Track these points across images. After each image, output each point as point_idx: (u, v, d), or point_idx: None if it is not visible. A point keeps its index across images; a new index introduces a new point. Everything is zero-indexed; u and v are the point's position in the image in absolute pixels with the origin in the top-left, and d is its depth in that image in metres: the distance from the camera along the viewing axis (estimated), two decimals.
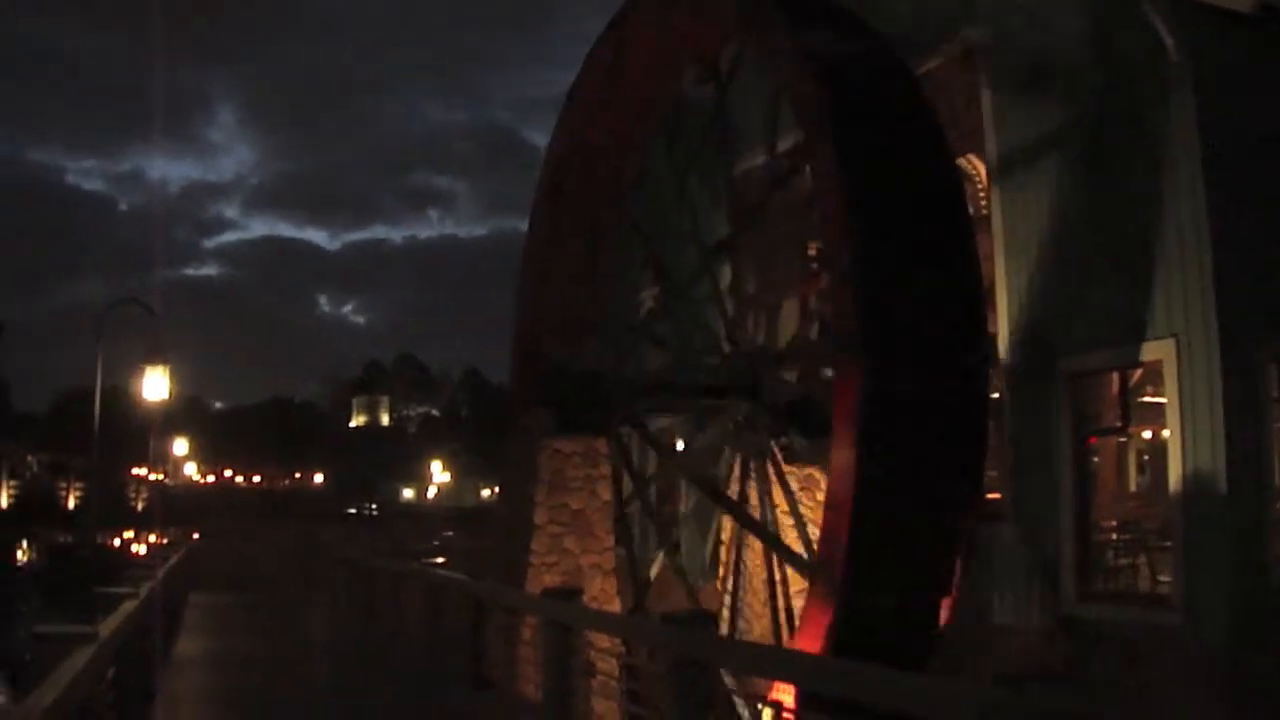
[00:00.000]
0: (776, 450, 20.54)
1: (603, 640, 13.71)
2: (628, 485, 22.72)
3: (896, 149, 15.80)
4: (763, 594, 21.53)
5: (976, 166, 21.49)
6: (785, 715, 9.33)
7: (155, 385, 25.76)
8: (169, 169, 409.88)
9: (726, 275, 21.86)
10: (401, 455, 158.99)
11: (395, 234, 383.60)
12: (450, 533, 74.59)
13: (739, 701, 12.35)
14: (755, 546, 21.74)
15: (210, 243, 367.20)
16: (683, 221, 22.58)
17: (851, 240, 14.78)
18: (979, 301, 15.86)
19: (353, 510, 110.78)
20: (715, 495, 21.27)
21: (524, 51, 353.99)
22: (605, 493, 21.57)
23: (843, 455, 14.47)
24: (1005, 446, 19.17)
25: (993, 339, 18.44)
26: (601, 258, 23.53)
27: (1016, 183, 19.42)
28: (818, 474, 20.12)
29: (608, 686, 13.36)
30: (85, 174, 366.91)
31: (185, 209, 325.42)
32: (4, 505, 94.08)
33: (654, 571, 22.35)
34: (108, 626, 10.98)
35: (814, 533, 18.83)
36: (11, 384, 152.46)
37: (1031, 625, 18.14)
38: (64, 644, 9.03)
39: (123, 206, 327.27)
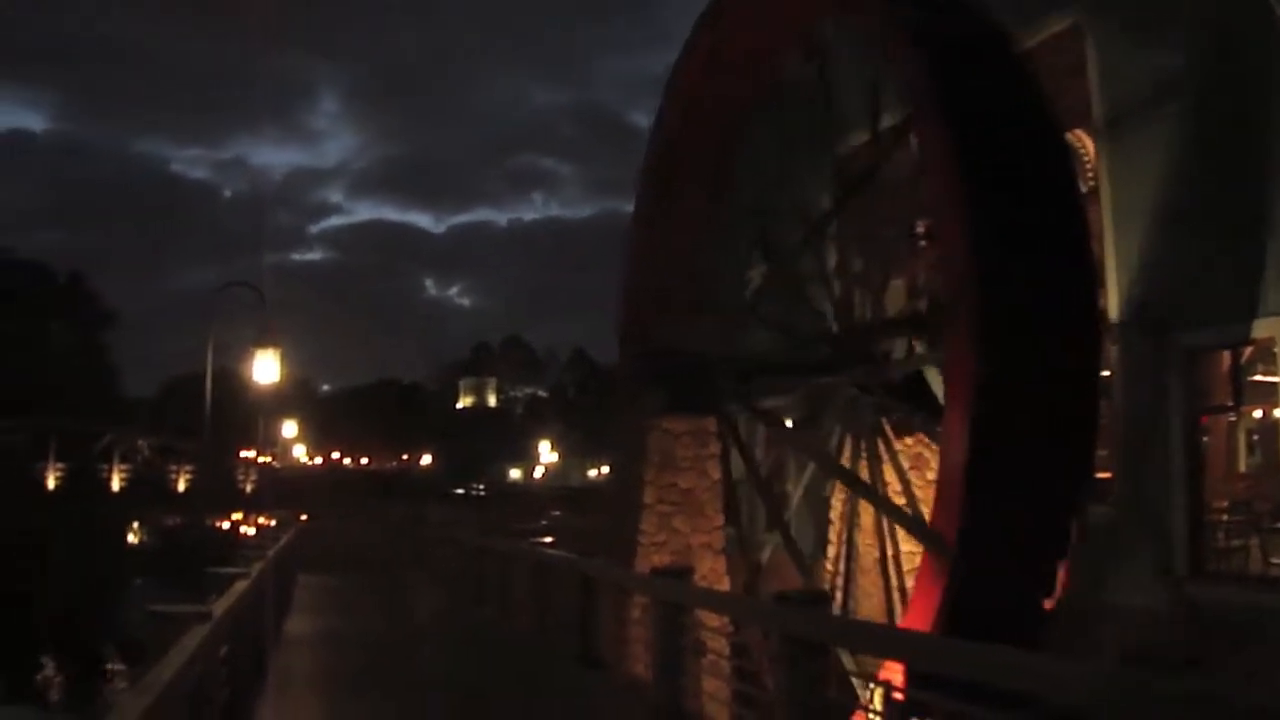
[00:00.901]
0: (887, 427, 20.51)
1: (712, 619, 13.75)
2: (737, 465, 22.70)
3: (1005, 123, 15.66)
4: (873, 573, 21.50)
5: (1084, 141, 21.27)
6: (895, 694, 9.33)
7: (266, 368, 25.98)
8: (273, 156, 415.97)
9: (833, 253, 21.81)
10: (508, 436, 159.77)
11: (500, 216, 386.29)
12: (558, 512, 74.96)
13: (852, 681, 12.32)
14: (866, 525, 21.73)
15: (315, 228, 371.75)
16: (787, 199, 22.57)
17: (962, 218, 14.68)
18: (1090, 278, 15.71)
19: (460, 491, 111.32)
20: (832, 467, 21.22)
21: (628, 33, 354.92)
22: (714, 472, 21.56)
23: (954, 435, 14.41)
24: (1116, 425, 18.98)
25: (1103, 315, 18.27)
26: (707, 237, 23.53)
27: (1125, 157, 19.17)
28: (927, 453, 20.05)
29: (717, 665, 13.40)
30: (190, 163, 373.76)
31: (290, 195, 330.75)
32: (116, 489, 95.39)
33: (766, 552, 22.41)
34: (221, 605, 11.15)
35: (925, 511, 18.80)
36: (122, 370, 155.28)
37: (1141, 606, 17.97)
38: (178, 623, 9.19)
39: (227, 194, 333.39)
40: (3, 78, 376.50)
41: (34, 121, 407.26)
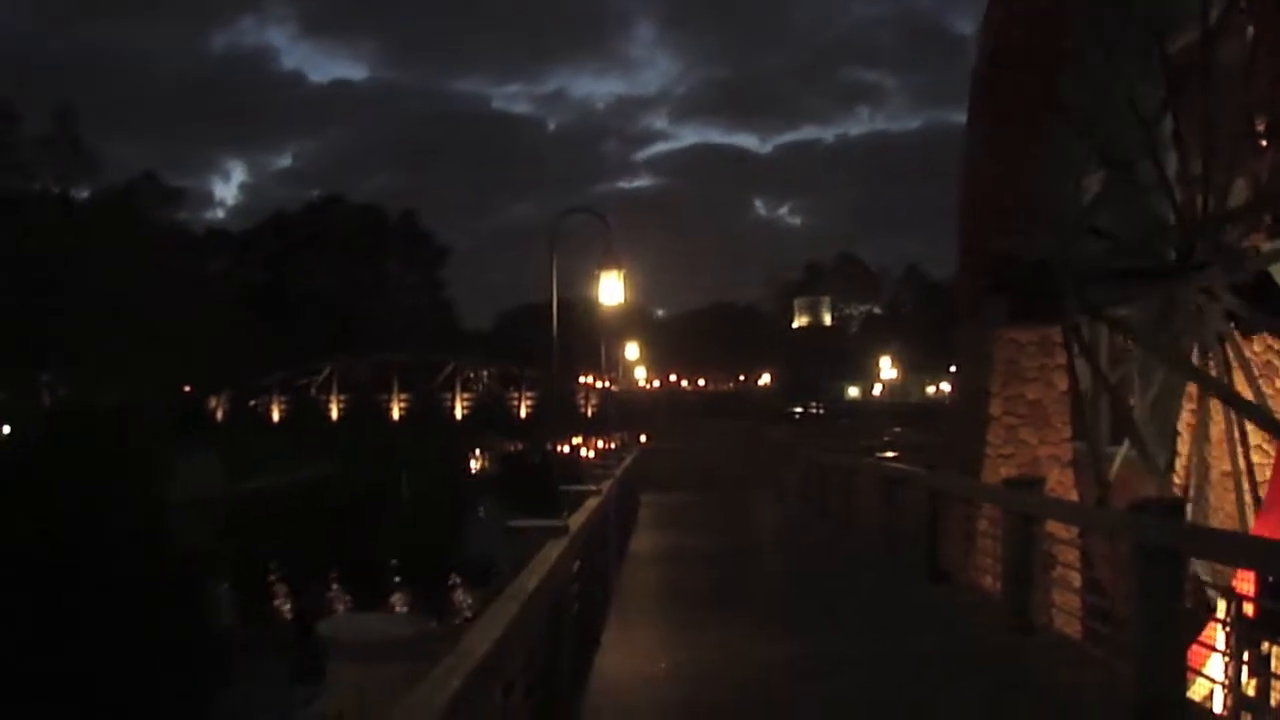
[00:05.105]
0: (1235, 333, 19.90)
1: (1062, 531, 13.60)
2: (1083, 376, 22.32)
3: None
4: (1221, 486, 20.95)
5: None
6: (1246, 605, 9.13)
7: (610, 289, 26.25)
8: (593, 87, 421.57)
9: (1171, 155, 21.19)
10: (844, 354, 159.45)
11: (826, 133, 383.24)
12: (898, 429, 74.54)
13: (1205, 591, 12.06)
14: (1215, 437, 21.15)
15: (641, 155, 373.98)
16: (1122, 100, 21.96)
17: None
18: None
19: (799, 410, 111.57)
20: (1187, 369, 20.71)
21: None
22: (1061, 383, 21.25)
23: None
24: None
25: None
26: (1043, 142, 23.04)
27: None
28: (1277, 360, 19.39)
29: (1066, 578, 13.27)
30: (511, 99, 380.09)
31: (613, 124, 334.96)
32: (458, 417, 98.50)
33: (1114, 465, 21.98)
34: (575, 521, 11.45)
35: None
36: (457, 303, 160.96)
37: None
38: (533, 538, 9.46)
39: (550, 127, 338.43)
40: (320, 32, 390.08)
41: (354, 71, 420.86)
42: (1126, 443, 21.84)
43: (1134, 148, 21.58)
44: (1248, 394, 19.68)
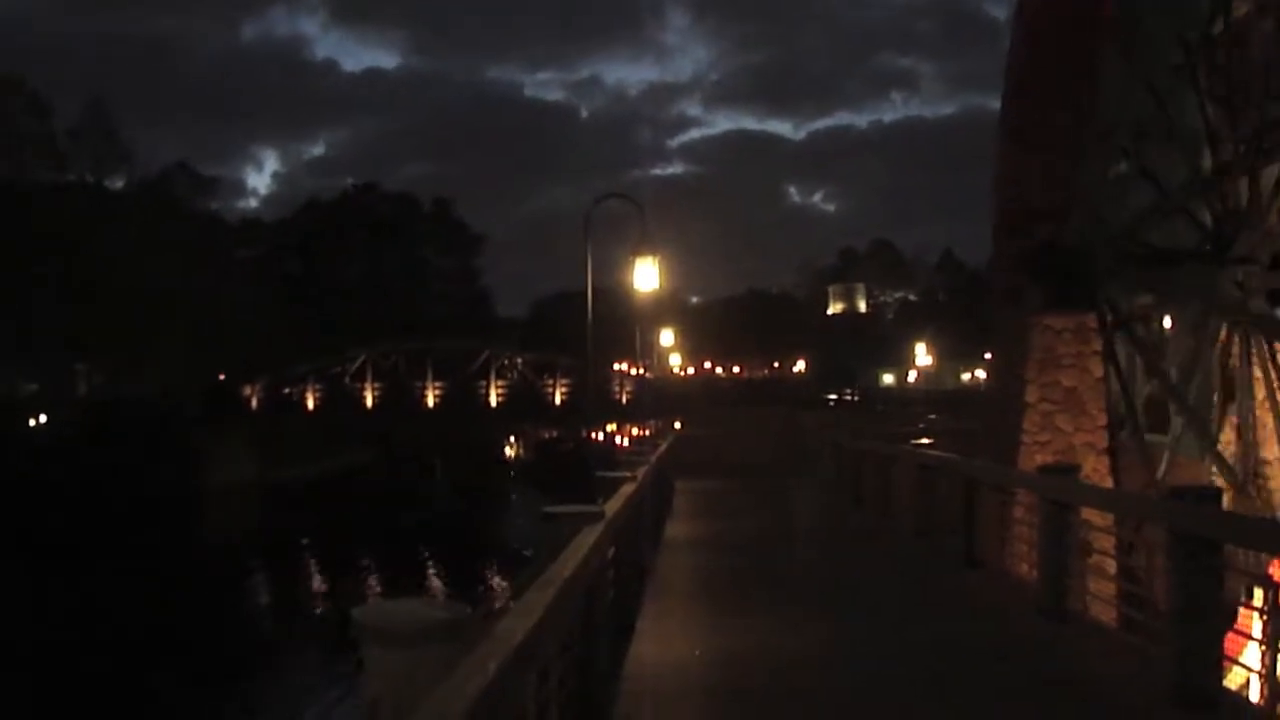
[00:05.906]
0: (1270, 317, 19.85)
1: (1098, 518, 13.55)
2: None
3: None
4: (1259, 471, 20.89)
5: None
6: None
7: (646, 275, 26.10)
8: (626, 73, 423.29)
9: (1209, 136, 21.11)
10: (879, 341, 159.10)
11: (860, 119, 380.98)
12: (933, 415, 74.33)
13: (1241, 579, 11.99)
14: (1251, 422, 21.09)
15: (675, 142, 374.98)
16: (1161, 85, 21.88)
17: None
18: None
19: (833, 396, 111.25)
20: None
21: None
22: (1097, 369, 21.17)
23: None
24: None
25: None
26: (1080, 127, 22.93)
27: None
28: None
29: (1102, 565, 13.23)
30: (544, 86, 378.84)
31: (647, 111, 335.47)
32: (494, 404, 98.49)
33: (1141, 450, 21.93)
34: (610, 507, 11.49)
35: None
36: (491, 291, 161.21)
37: None
38: (568, 524, 9.50)
39: (584, 114, 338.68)
40: (352, 20, 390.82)
41: (386, 59, 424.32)
42: (1127, 429, 21.82)
43: (1171, 130, 21.49)
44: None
